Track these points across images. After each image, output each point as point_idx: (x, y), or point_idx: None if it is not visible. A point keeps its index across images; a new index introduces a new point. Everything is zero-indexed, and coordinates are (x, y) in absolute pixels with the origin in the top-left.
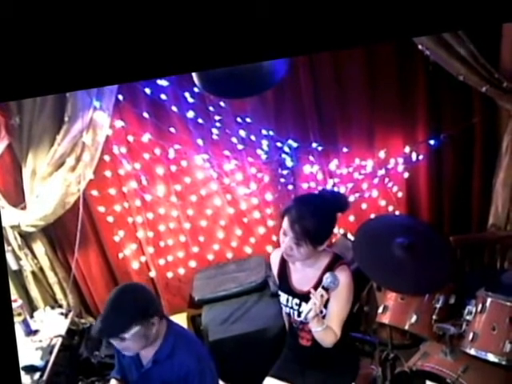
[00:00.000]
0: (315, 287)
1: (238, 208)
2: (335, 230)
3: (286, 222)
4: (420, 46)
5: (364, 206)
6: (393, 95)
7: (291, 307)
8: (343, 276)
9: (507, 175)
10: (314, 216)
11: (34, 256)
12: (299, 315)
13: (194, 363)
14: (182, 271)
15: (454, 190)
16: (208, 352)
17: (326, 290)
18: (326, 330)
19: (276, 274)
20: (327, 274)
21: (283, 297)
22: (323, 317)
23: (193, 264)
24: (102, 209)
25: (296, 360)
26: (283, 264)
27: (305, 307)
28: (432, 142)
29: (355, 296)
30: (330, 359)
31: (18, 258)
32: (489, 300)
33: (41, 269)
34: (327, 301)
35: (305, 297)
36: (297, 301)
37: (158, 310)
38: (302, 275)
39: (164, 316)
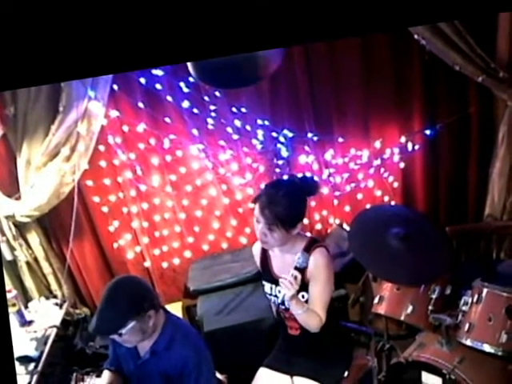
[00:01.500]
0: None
1: (234, 198)
2: (331, 221)
3: (256, 209)
4: (416, 36)
5: (360, 196)
6: (389, 85)
7: (275, 295)
8: (320, 257)
9: (503, 165)
10: (282, 200)
11: (29, 246)
12: (283, 303)
13: (192, 355)
14: (177, 261)
15: (450, 180)
16: (205, 343)
17: (299, 270)
18: (309, 313)
19: (259, 264)
20: (298, 254)
21: (267, 286)
22: (306, 301)
23: (188, 254)
24: (96, 199)
25: (287, 350)
26: (264, 254)
27: (282, 290)
28: (428, 131)
29: (337, 278)
30: (320, 348)
31: (12, 249)
32: (485, 290)
33: (35, 259)
34: (307, 284)
35: None
36: (279, 288)
37: (154, 304)
38: (282, 262)
39: (161, 307)
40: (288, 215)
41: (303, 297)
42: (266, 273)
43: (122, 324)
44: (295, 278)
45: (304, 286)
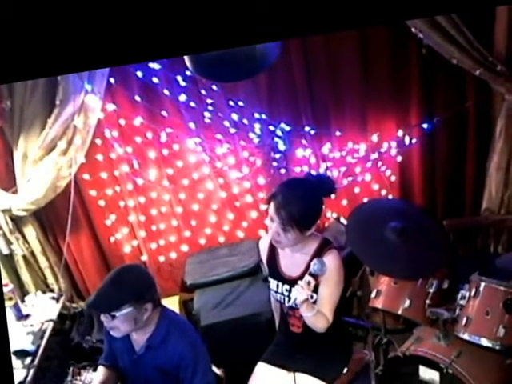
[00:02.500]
0: (304, 273)
1: (231, 192)
2: (328, 214)
3: (271, 208)
4: (413, 29)
5: (357, 189)
6: (386, 78)
7: (281, 293)
8: (332, 260)
9: (501, 159)
10: (299, 201)
11: (26, 240)
12: (290, 301)
13: (188, 349)
14: (173, 255)
15: (448, 174)
16: (201, 338)
17: (314, 276)
18: (317, 316)
19: (265, 260)
20: (314, 261)
21: (273, 283)
22: (314, 302)
23: (185, 248)
24: (93, 193)
25: (287, 345)
26: (272, 250)
27: (294, 294)
28: (425, 125)
29: (346, 280)
30: (321, 345)
31: (9, 243)
32: (482, 284)
33: (32, 253)
34: (317, 286)
35: (294, 282)
36: (287, 287)
37: (154, 298)
38: (291, 261)
39: (160, 304)
40: (304, 217)
41: (312, 297)
42: (272, 270)
43: (118, 306)
44: (308, 283)
45: (314, 288)
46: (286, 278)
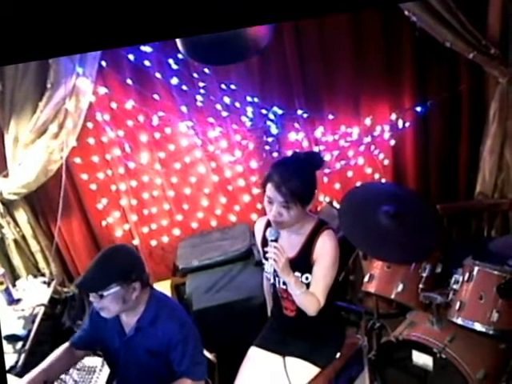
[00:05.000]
0: (300, 253)
1: (223, 176)
2: (321, 198)
3: (270, 189)
4: (406, 12)
5: (350, 173)
6: (379, 62)
7: (276, 275)
8: (328, 240)
9: (494, 143)
10: (297, 176)
11: (17, 224)
12: (284, 283)
13: (177, 329)
14: (165, 239)
15: (441, 158)
16: (192, 319)
17: (276, 241)
18: (307, 295)
19: (260, 242)
20: (269, 229)
21: (268, 265)
22: (309, 283)
23: (177, 232)
24: (85, 176)
25: (280, 330)
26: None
27: (269, 265)
28: (418, 109)
29: (341, 263)
30: (314, 329)
31: (0, 226)
32: (476, 269)
33: (23, 237)
34: (312, 266)
35: (290, 263)
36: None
37: (142, 277)
38: (287, 242)
39: (148, 285)
40: (304, 190)
41: (307, 278)
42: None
43: (105, 285)
44: (275, 247)
45: (309, 268)
46: None
